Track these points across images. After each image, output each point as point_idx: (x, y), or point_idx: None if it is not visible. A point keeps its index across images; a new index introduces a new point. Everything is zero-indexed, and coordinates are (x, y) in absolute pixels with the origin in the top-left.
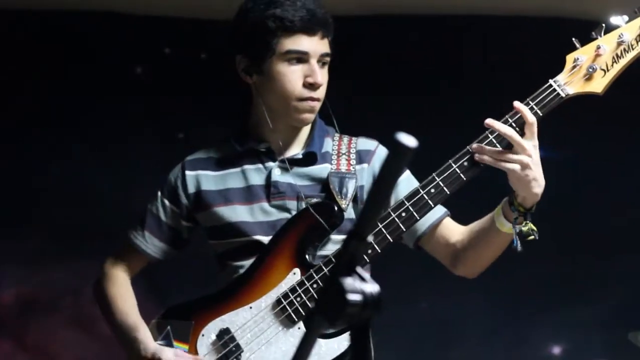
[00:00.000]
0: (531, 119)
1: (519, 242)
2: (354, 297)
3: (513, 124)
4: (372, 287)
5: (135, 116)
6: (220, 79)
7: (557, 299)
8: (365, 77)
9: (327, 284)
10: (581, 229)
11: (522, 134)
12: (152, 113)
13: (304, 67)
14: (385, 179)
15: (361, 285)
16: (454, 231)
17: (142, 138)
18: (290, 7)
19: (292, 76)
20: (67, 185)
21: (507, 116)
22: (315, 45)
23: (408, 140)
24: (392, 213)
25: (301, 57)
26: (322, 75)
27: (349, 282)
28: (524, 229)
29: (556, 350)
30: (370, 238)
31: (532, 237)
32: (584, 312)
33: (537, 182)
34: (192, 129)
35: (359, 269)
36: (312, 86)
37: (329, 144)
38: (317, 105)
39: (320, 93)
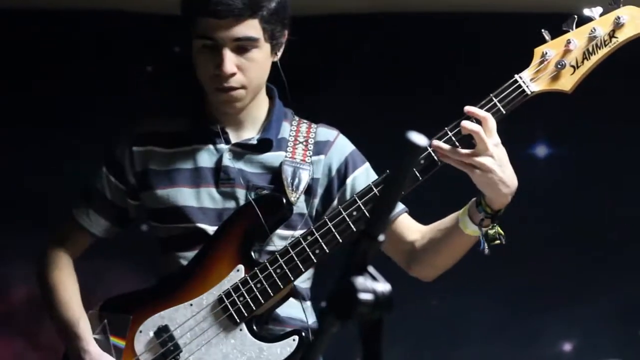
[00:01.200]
0: (483, 115)
1: (486, 244)
2: (365, 296)
3: (474, 120)
4: (383, 286)
5: (145, 115)
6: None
7: (566, 296)
8: (369, 76)
9: (338, 283)
10: (591, 225)
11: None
12: (162, 112)
13: (215, 56)
14: (396, 178)
15: (372, 284)
16: (412, 229)
17: None
18: None
19: (205, 64)
20: (77, 183)
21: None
22: (228, 31)
23: (419, 139)
24: (342, 211)
25: (210, 44)
26: (238, 64)
27: (361, 281)
28: (491, 232)
29: (566, 347)
30: (381, 237)
31: (498, 241)
32: (595, 309)
33: (505, 183)
34: None
35: (370, 268)
36: (221, 76)
37: (287, 129)
38: (238, 93)
39: (238, 81)
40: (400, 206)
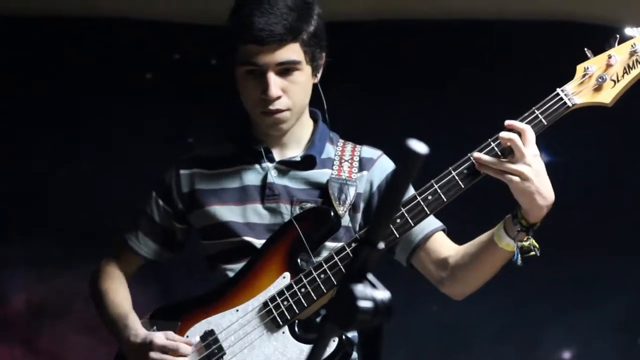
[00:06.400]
0: (522, 127)
1: (519, 256)
2: (364, 303)
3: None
4: (383, 294)
5: (145, 121)
6: (230, 84)
7: (567, 303)
8: (371, 82)
9: (338, 291)
10: (592, 231)
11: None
12: (162, 118)
13: (261, 81)
14: (396, 186)
15: (372, 292)
16: (447, 246)
17: (151, 143)
18: (248, 18)
19: (250, 89)
20: (77, 190)
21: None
22: (271, 56)
23: (419, 146)
24: None
25: (255, 70)
26: (282, 87)
27: (360, 288)
28: (525, 243)
29: (567, 354)
30: (381, 245)
31: (532, 253)
32: (595, 316)
33: (541, 195)
34: (202, 134)
35: (370, 276)
36: (267, 100)
37: (332, 150)
38: (283, 115)
39: (283, 103)
40: (437, 223)
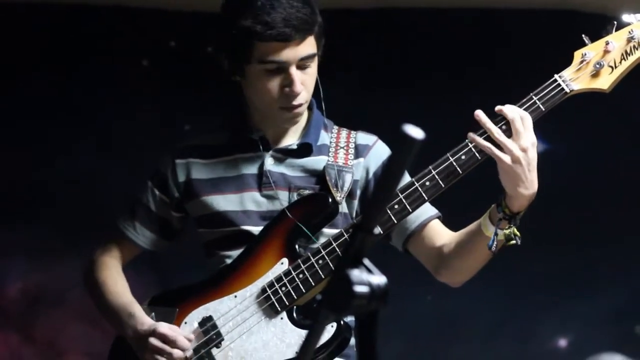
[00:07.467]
0: (522, 114)
1: (495, 242)
2: (360, 288)
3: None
4: (379, 279)
5: (141, 109)
6: (226, 73)
7: (564, 292)
8: (371, 71)
9: (334, 276)
10: (588, 221)
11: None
12: (158, 106)
13: (283, 76)
14: (392, 171)
15: (368, 277)
16: (443, 234)
17: (148, 131)
18: (265, 15)
19: (270, 86)
20: (74, 178)
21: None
22: (294, 52)
23: (415, 132)
24: None
25: (278, 67)
26: (302, 81)
27: (356, 273)
28: (506, 231)
29: (563, 343)
30: (376, 230)
31: (513, 241)
32: (592, 306)
33: (525, 183)
34: (199, 121)
35: (365, 261)
36: (290, 96)
37: (327, 137)
38: (301, 109)
39: (303, 97)
40: (433, 211)
